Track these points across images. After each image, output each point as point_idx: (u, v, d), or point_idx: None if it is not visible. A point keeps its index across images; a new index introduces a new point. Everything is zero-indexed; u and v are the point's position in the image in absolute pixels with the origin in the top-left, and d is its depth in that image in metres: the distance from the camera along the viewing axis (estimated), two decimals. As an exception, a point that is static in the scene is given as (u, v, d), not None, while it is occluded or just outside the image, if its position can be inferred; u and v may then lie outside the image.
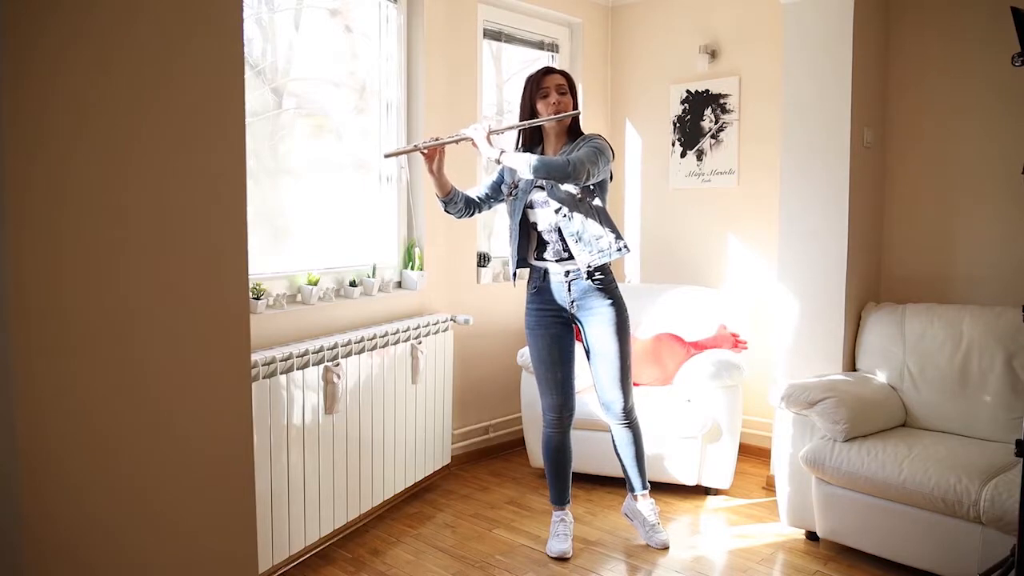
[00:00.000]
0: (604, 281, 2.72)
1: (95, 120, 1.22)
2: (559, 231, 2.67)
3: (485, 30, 3.89)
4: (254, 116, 2.89)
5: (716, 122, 3.97)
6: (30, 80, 1.14)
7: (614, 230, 2.69)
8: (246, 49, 2.32)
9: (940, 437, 2.74)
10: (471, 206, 2.83)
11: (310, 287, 2.93)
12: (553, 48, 4.27)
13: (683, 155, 4.11)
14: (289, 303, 2.91)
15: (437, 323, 3.34)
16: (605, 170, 2.62)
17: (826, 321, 3.13)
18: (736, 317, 3.67)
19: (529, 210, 2.71)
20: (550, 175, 2.50)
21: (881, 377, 3.03)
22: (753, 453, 3.79)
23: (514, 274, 2.83)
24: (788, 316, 3.23)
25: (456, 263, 3.71)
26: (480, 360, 3.81)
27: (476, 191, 2.85)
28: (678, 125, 4.12)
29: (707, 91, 3.99)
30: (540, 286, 2.77)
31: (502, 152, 2.55)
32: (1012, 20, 1.83)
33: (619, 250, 2.66)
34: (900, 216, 3.29)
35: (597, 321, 2.72)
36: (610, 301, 2.72)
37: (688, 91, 4.06)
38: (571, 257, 2.69)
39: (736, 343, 3.54)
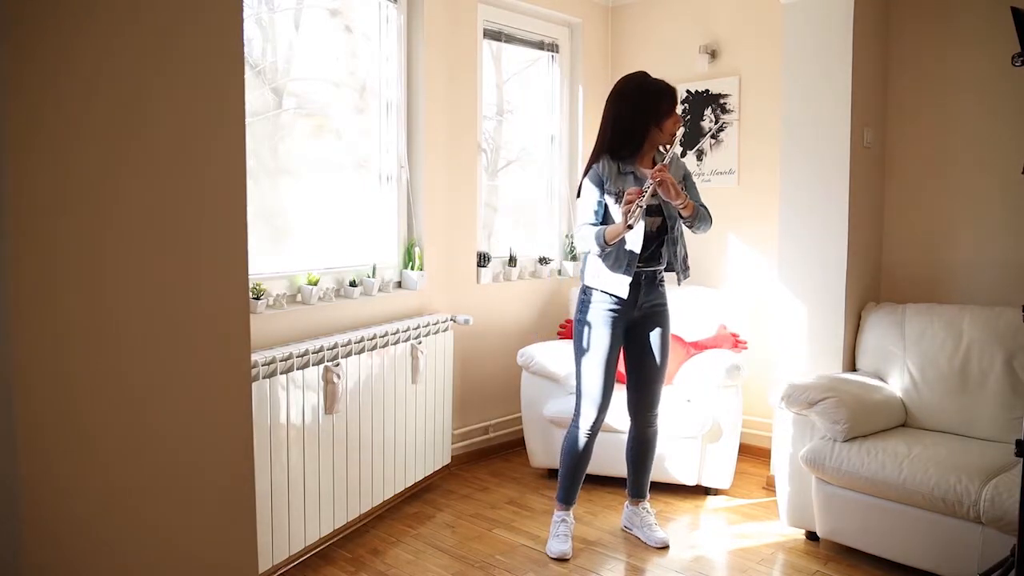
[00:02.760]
0: (664, 291, 2.81)
1: (94, 120, 1.22)
2: (661, 240, 2.71)
3: (485, 30, 3.89)
4: (254, 116, 2.89)
5: (716, 122, 3.97)
6: (30, 80, 1.14)
7: (688, 253, 2.84)
8: (246, 49, 2.32)
9: (940, 437, 2.74)
10: None
11: (310, 287, 2.93)
12: (553, 48, 4.27)
13: (683, 155, 4.11)
14: (289, 303, 2.91)
15: (437, 323, 3.34)
16: None
17: (826, 321, 3.13)
18: (736, 317, 3.67)
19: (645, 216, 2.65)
20: (702, 226, 2.73)
21: (881, 377, 3.02)
22: (753, 453, 3.79)
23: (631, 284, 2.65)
24: (788, 316, 3.23)
25: (456, 263, 3.71)
26: (480, 360, 3.81)
27: (596, 219, 2.69)
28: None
29: (707, 91, 3.99)
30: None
31: (687, 201, 2.60)
32: (1012, 20, 1.83)
33: (689, 272, 2.82)
34: (900, 216, 3.29)
35: (655, 329, 2.78)
36: (667, 311, 2.82)
37: (688, 91, 4.06)
38: (651, 263, 2.71)
39: (736, 343, 3.54)
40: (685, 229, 2.77)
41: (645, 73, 2.72)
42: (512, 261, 3.99)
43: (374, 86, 3.39)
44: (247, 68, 1.96)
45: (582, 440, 2.78)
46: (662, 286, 2.80)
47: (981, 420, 2.76)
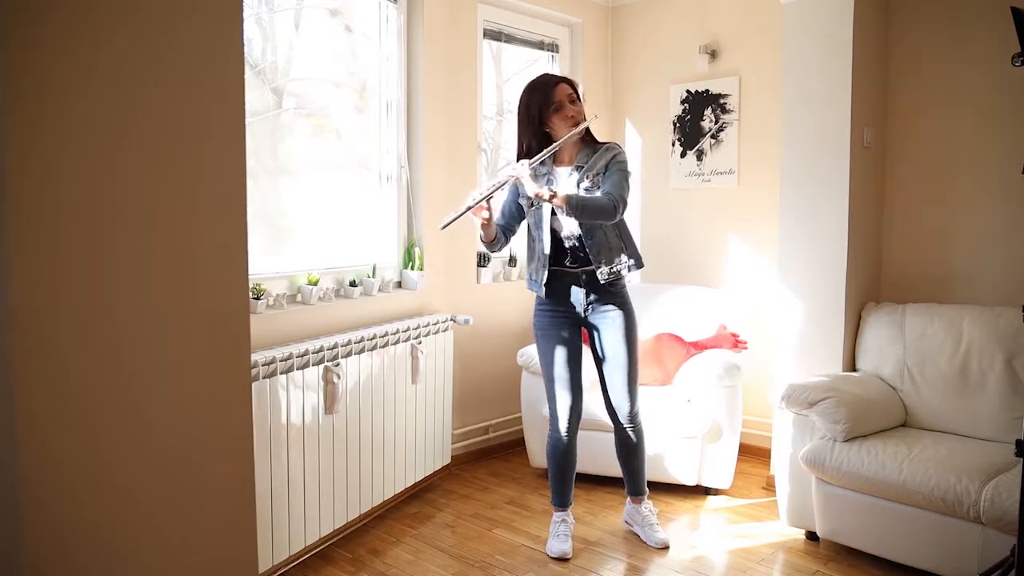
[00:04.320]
0: (617, 287, 2.75)
1: (94, 120, 1.22)
2: (580, 239, 2.69)
3: (485, 30, 3.89)
4: (254, 116, 2.89)
5: (716, 122, 3.97)
6: (28, 80, 1.14)
7: (631, 244, 2.75)
8: (246, 49, 2.32)
9: (940, 437, 2.73)
10: (507, 236, 2.82)
11: (310, 287, 2.93)
12: (553, 48, 4.27)
13: (683, 155, 4.11)
14: (289, 303, 2.91)
15: (437, 323, 3.34)
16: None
17: (826, 321, 3.13)
18: (736, 317, 3.67)
19: (553, 217, 2.69)
20: (597, 217, 2.56)
21: (881, 377, 3.02)
22: (753, 453, 3.79)
23: (546, 283, 2.73)
24: (788, 316, 3.23)
25: (456, 263, 3.71)
26: (480, 360, 3.81)
27: (500, 219, 2.81)
28: (678, 125, 4.12)
29: (707, 91, 3.99)
30: (555, 289, 2.75)
31: (553, 195, 2.54)
32: (1012, 20, 1.83)
33: (634, 266, 2.73)
34: (900, 216, 3.29)
35: (609, 326, 2.74)
36: (622, 307, 2.76)
37: (688, 91, 4.06)
38: (588, 263, 2.70)
39: (736, 343, 3.54)
40: (602, 231, 2.67)
41: (544, 73, 2.76)
42: (512, 261, 4.00)
43: (374, 86, 3.39)
44: (247, 68, 1.96)
45: (561, 442, 2.80)
46: (614, 286, 2.73)
47: (981, 420, 2.76)
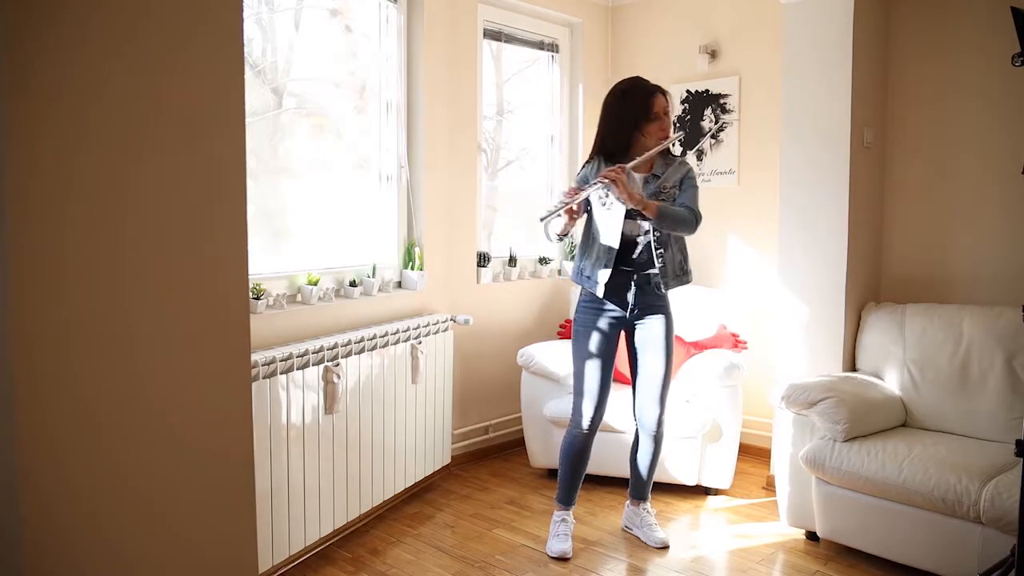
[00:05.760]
0: (663, 295, 2.76)
1: (95, 120, 1.22)
2: (649, 246, 2.68)
3: (485, 30, 3.89)
4: (254, 116, 2.89)
5: (716, 122, 3.97)
6: (32, 80, 1.14)
7: (687, 259, 2.79)
8: (246, 49, 2.32)
9: (940, 437, 2.74)
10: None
11: (310, 287, 2.93)
12: (553, 48, 4.27)
13: (683, 155, 4.11)
14: (289, 303, 2.90)
15: (437, 323, 3.34)
16: None
17: (826, 321, 3.13)
18: (736, 317, 3.67)
19: (627, 220, 2.67)
20: (677, 228, 2.62)
21: (881, 377, 3.02)
22: (753, 453, 3.79)
23: (605, 285, 2.69)
24: (788, 316, 3.23)
25: (456, 263, 3.71)
26: (480, 360, 3.81)
27: None
28: (678, 125, 4.12)
29: (707, 91, 3.99)
30: (607, 288, 2.71)
31: (645, 205, 2.54)
32: (1012, 20, 1.83)
33: (688, 277, 2.78)
34: (900, 216, 3.29)
35: (651, 332, 2.75)
36: (666, 315, 2.77)
37: (688, 91, 4.06)
38: (646, 268, 2.70)
39: (736, 343, 3.54)
40: (668, 239, 2.71)
41: (638, 78, 2.74)
42: (512, 261, 4.00)
43: (374, 86, 3.39)
44: (247, 68, 1.96)
45: (580, 440, 2.78)
46: (660, 291, 2.74)
47: (981, 420, 2.76)
